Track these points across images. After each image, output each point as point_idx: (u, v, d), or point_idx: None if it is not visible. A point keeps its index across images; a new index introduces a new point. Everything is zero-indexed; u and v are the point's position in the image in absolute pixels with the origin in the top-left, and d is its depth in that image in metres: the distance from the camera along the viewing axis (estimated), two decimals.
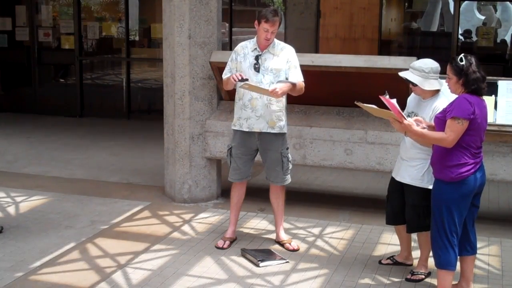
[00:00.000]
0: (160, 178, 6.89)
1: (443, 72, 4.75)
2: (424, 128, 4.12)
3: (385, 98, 4.15)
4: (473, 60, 4.01)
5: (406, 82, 4.49)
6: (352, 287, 4.51)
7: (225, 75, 5.15)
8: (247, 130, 5.07)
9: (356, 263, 4.92)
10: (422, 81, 4.36)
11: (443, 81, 4.46)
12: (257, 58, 5.02)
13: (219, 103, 6.37)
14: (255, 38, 5.08)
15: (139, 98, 11.53)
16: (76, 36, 11.12)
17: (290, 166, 5.20)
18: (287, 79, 5.00)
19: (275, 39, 5.07)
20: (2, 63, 11.57)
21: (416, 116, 4.33)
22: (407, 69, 4.50)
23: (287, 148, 5.17)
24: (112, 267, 4.81)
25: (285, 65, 5.01)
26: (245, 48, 5.10)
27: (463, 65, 3.97)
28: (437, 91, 4.43)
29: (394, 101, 4.14)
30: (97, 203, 6.33)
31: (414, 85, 4.41)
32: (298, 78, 5.02)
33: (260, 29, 4.95)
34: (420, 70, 4.37)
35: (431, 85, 4.36)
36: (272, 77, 4.98)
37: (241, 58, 5.08)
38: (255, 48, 5.04)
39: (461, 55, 4.03)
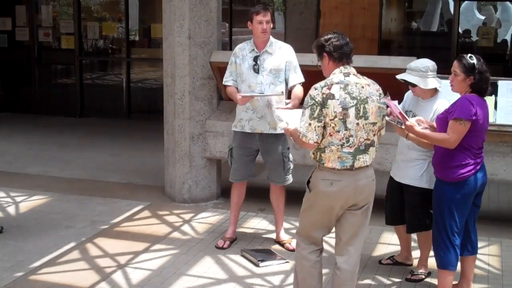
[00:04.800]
0: (160, 178, 6.89)
1: (444, 72, 4.75)
2: (426, 128, 4.12)
3: (387, 100, 4.14)
4: (481, 59, 4.00)
5: (405, 83, 4.48)
6: None
7: (226, 79, 5.15)
8: (249, 131, 5.06)
9: None
10: (421, 80, 4.35)
11: (442, 80, 4.46)
12: (255, 59, 5.00)
13: (219, 103, 6.37)
14: (252, 39, 5.07)
15: (139, 98, 11.53)
16: (76, 36, 11.12)
17: (291, 166, 5.20)
18: (287, 83, 5.00)
19: (272, 38, 5.06)
20: (2, 63, 11.57)
21: (415, 116, 4.33)
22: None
23: (288, 148, 5.17)
24: (112, 267, 4.82)
25: (284, 65, 5.00)
26: (243, 50, 5.08)
27: (474, 63, 3.95)
28: (436, 91, 4.43)
29: (395, 102, 4.14)
30: (97, 203, 6.33)
31: (414, 85, 4.41)
32: (298, 80, 5.00)
33: (254, 25, 4.95)
34: (417, 70, 4.37)
35: (430, 84, 4.36)
36: (272, 78, 4.97)
37: (240, 60, 5.06)
38: (253, 49, 5.03)
39: (470, 54, 4.01)
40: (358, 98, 3.59)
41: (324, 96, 3.56)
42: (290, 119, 3.92)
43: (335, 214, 3.77)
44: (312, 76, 5.42)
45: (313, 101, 3.58)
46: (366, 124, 3.61)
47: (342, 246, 3.83)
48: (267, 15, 4.93)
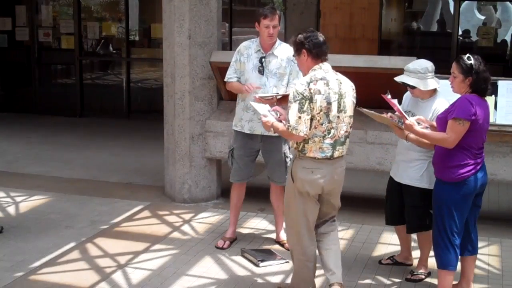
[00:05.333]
0: (160, 178, 6.89)
1: (444, 72, 4.74)
2: (426, 127, 4.13)
3: (387, 98, 4.17)
4: (480, 59, 4.00)
5: (404, 85, 4.48)
6: (352, 287, 4.52)
7: (229, 76, 5.11)
8: (248, 132, 5.05)
9: (356, 263, 4.92)
10: (420, 82, 4.35)
11: (440, 80, 4.46)
12: (261, 60, 4.97)
13: (219, 103, 6.37)
14: (258, 39, 5.03)
15: (139, 98, 11.53)
16: (76, 36, 11.13)
17: None
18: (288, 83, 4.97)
19: (278, 40, 5.02)
20: (2, 63, 11.57)
21: (414, 116, 4.32)
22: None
23: (289, 148, 5.16)
24: (112, 267, 4.82)
25: (288, 69, 4.95)
26: (249, 49, 5.04)
27: (471, 63, 3.95)
28: (435, 91, 4.43)
29: (395, 101, 4.16)
30: (97, 203, 6.33)
31: (413, 87, 4.40)
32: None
33: (261, 28, 4.90)
34: (416, 72, 4.36)
35: (429, 85, 4.36)
36: (276, 81, 4.95)
37: (244, 58, 5.03)
38: (259, 50, 4.99)
39: (468, 55, 4.01)
40: (339, 93, 3.93)
41: (312, 91, 3.85)
42: (265, 112, 4.19)
43: (313, 199, 4.08)
44: None
45: (301, 95, 3.84)
46: (345, 117, 3.97)
47: (322, 222, 4.26)
48: (274, 20, 4.87)
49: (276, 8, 4.97)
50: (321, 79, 3.90)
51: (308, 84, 3.87)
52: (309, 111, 3.84)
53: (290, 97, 3.90)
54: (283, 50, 4.99)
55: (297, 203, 4.07)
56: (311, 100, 3.84)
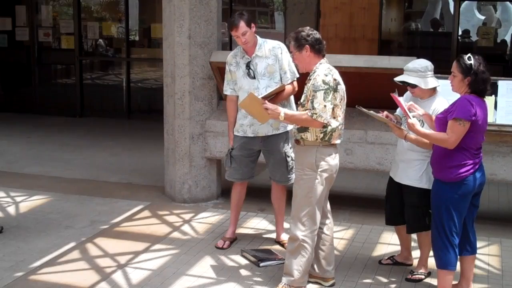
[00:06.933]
0: (160, 178, 6.89)
1: (444, 72, 4.75)
2: (420, 116, 4.18)
3: (395, 96, 4.21)
4: (481, 60, 3.99)
5: (404, 85, 4.48)
6: (352, 287, 4.52)
7: (225, 89, 5.15)
8: (252, 135, 5.04)
9: (356, 263, 4.92)
10: (421, 81, 4.36)
11: (440, 80, 4.47)
12: (248, 65, 4.96)
13: (219, 103, 6.37)
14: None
15: (139, 98, 11.53)
16: (76, 36, 11.13)
17: (294, 164, 5.18)
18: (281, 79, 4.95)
19: (260, 39, 5.00)
20: (2, 63, 11.57)
21: (413, 116, 4.33)
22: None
23: (291, 147, 5.14)
24: (112, 267, 4.82)
25: (276, 65, 4.93)
26: (236, 57, 5.04)
27: (471, 64, 3.94)
28: (434, 90, 4.43)
29: (402, 99, 4.20)
30: (97, 203, 6.33)
31: (413, 86, 4.41)
32: (290, 79, 4.94)
33: (234, 37, 4.93)
34: (416, 71, 4.37)
35: (430, 83, 4.37)
36: (267, 81, 4.93)
37: (234, 67, 5.03)
38: (244, 56, 4.99)
39: (469, 54, 4.00)
40: (343, 84, 4.27)
41: (336, 82, 4.17)
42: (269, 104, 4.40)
43: None
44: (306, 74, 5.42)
45: (327, 85, 4.12)
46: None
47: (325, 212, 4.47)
48: (239, 29, 4.82)
49: (242, 14, 4.88)
50: (335, 71, 4.22)
51: (332, 75, 4.16)
52: (333, 100, 4.14)
53: (315, 87, 4.11)
54: (267, 49, 4.96)
55: (321, 191, 4.26)
56: (335, 90, 4.15)
